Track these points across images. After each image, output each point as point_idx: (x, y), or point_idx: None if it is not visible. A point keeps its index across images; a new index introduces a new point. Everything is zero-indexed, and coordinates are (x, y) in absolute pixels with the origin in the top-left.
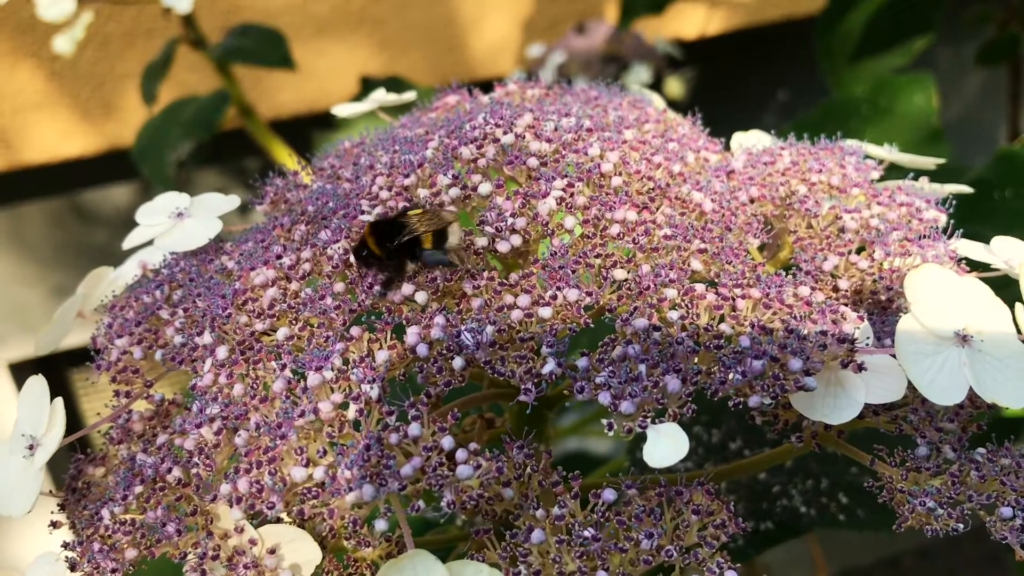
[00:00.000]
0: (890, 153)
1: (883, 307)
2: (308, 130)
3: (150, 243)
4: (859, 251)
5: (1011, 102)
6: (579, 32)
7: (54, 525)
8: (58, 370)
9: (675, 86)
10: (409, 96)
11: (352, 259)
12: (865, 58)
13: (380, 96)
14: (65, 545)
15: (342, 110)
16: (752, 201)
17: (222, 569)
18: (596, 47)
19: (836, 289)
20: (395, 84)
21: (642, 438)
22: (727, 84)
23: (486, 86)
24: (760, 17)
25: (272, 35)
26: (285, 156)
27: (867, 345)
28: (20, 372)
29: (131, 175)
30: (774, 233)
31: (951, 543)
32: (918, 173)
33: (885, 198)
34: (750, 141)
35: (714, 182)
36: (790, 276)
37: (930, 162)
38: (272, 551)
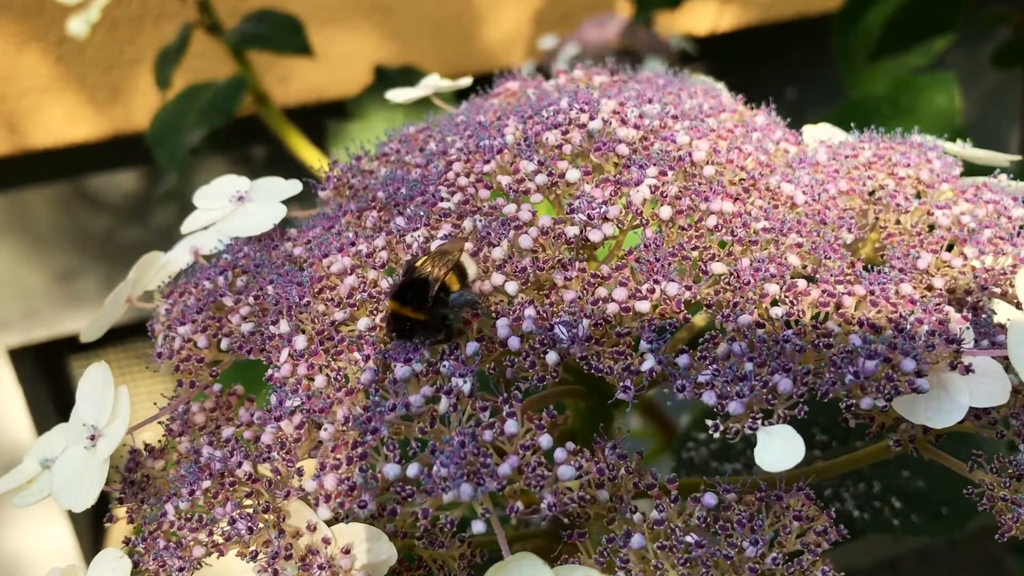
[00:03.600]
0: (964, 149)
1: (973, 307)
2: (317, 118)
3: (205, 228)
4: (948, 248)
5: None
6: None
7: (110, 519)
8: (58, 357)
9: None
10: (465, 82)
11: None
12: (884, 57)
13: (434, 82)
14: (127, 541)
15: (396, 95)
16: (840, 195)
17: (293, 569)
18: (610, 40)
19: (930, 288)
20: (408, 73)
21: (687, 438)
22: (737, 80)
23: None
24: (772, 14)
25: (289, 21)
26: (300, 144)
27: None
28: (20, 358)
29: (137, 160)
30: (863, 229)
31: (950, 547)
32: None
33: (971, 195)
34: (823, 134)
35: (802, 175)
36: (889, 273)
37: (1004, 158)
38: (346, 551)
